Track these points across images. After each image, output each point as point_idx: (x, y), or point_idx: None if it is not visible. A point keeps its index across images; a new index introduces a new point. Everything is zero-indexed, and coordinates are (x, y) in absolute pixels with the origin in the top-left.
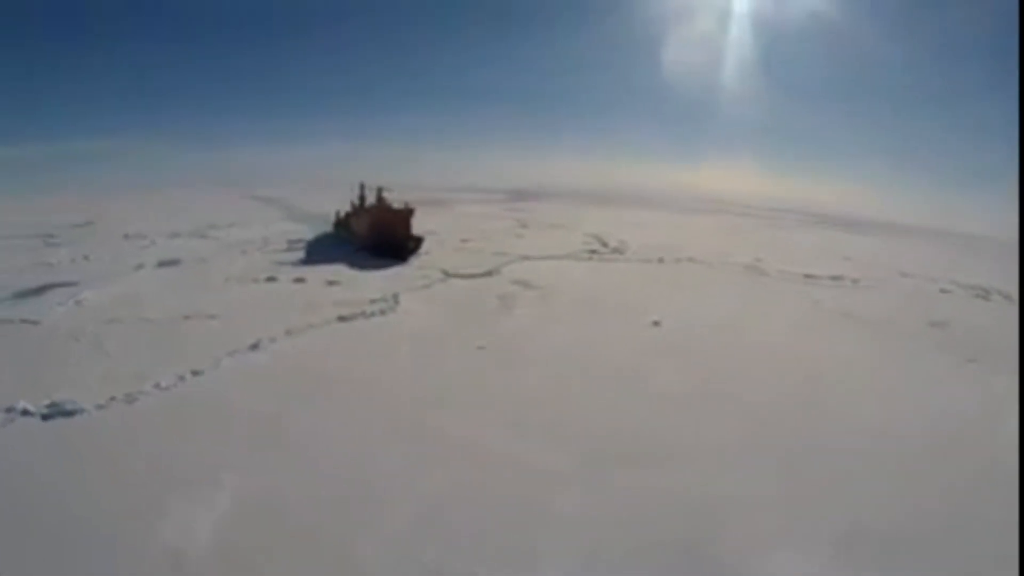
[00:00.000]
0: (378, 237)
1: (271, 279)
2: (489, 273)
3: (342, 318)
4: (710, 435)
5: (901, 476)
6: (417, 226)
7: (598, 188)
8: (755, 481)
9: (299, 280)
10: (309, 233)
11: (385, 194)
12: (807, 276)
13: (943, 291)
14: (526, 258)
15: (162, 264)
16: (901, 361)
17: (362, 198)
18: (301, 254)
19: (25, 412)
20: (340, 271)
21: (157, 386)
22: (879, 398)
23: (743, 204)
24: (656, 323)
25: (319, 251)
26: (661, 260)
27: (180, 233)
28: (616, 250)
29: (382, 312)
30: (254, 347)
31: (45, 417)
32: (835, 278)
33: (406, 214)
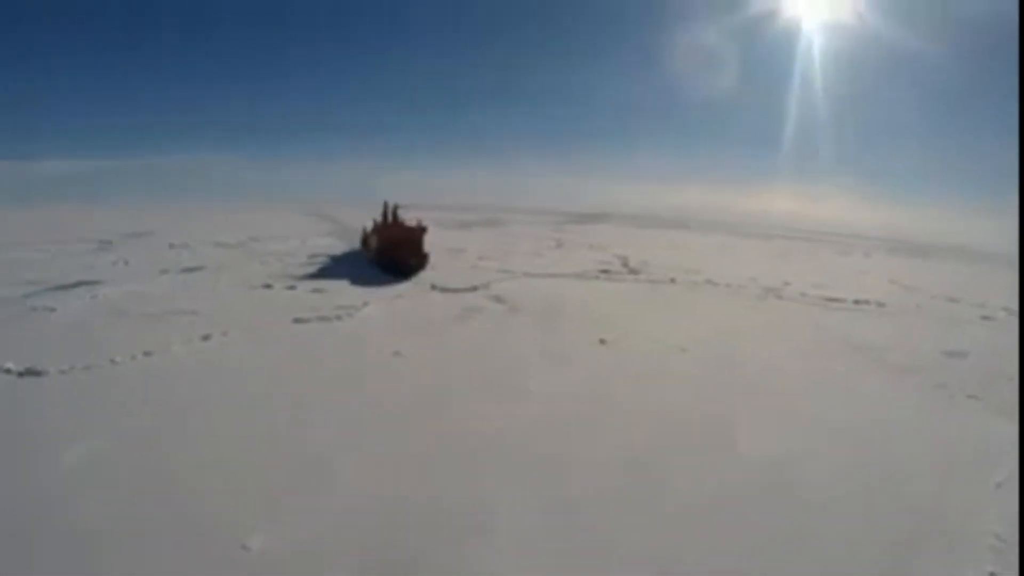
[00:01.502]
0: (384, 254)
1: (267, 286)
2: (474, 288)
3: (297, 320)
4: (544, 449)
5: (750, 535)
6: (451, 243)
7: (673, 212)
8: (529, 510)
9: (290, 288)
10: (341, 248)
11: (402, 212)
12: (829, 300)
13: (985, 318)
14: (529, 275)
15: (185, 270)
16: (872, 392)
17: (384, 215)
18: (314, 267)
19: (7, 371)
20: (333, 283)
21: (111, 361)
22: (805, 433)
23: (815, 230)
24: (603, 341)
25: (333, 265)
26: (673, 280)
27: (221, 244)
28: (633, 270)
29: (338, 318)
30: (205, 338)
31: (20, 375)
32: (859, 302)
33: (417, 233)
